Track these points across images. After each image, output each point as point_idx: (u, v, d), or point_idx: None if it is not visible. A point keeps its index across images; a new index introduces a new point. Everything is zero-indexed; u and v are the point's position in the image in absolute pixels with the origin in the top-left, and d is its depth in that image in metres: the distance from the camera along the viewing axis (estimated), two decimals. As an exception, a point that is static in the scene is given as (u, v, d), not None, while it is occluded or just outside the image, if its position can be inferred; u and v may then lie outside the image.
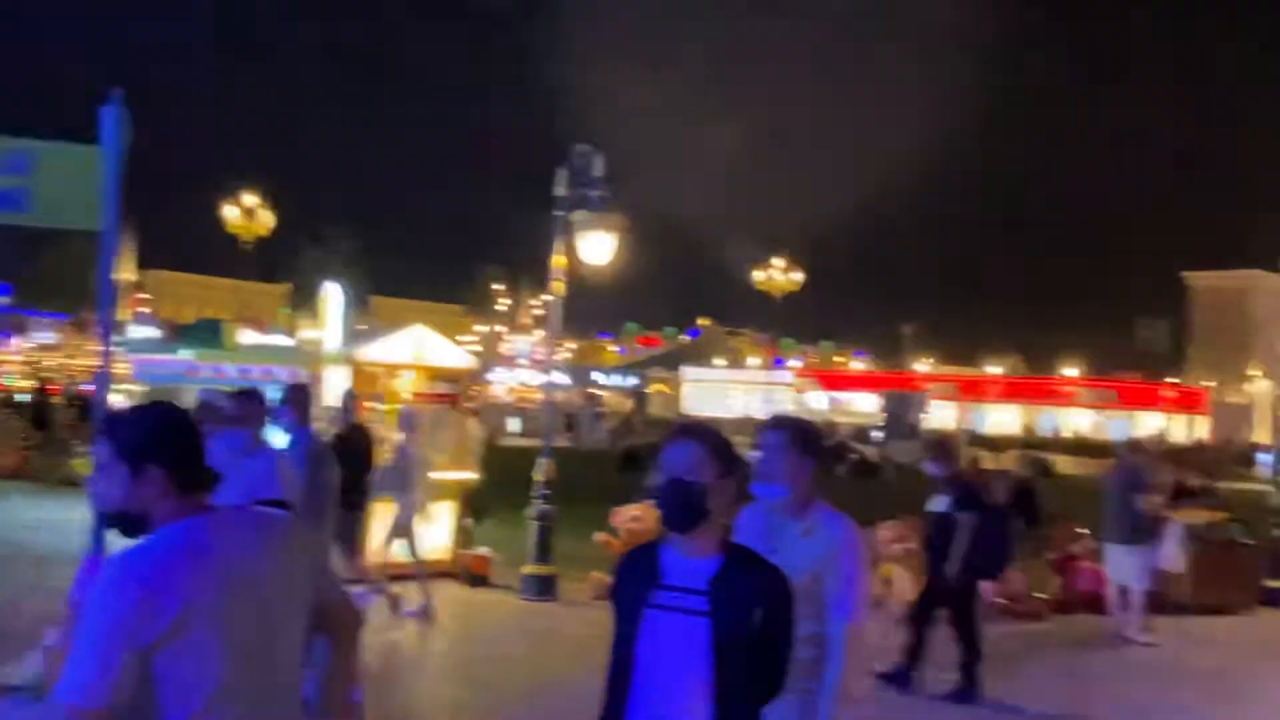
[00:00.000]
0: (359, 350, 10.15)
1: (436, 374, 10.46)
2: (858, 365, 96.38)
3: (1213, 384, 78.26)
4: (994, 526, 7.41)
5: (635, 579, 2.59)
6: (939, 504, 7.28)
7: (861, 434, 37.82)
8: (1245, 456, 40.13)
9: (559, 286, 10.10)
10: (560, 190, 9.51)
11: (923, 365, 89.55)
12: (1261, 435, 58.34)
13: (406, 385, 10.17)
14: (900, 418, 38.21)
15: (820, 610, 2.79)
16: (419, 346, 10.48)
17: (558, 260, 9.83)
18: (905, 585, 9.44)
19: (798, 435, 3.17)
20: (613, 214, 9.45)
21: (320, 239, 51.37)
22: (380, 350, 10.43)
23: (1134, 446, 10.35)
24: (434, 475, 8.98)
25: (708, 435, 2.60)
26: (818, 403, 72.39)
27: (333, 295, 10.40)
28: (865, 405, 59.96)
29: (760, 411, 58.42)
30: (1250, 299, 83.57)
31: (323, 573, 2.43)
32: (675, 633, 2.44)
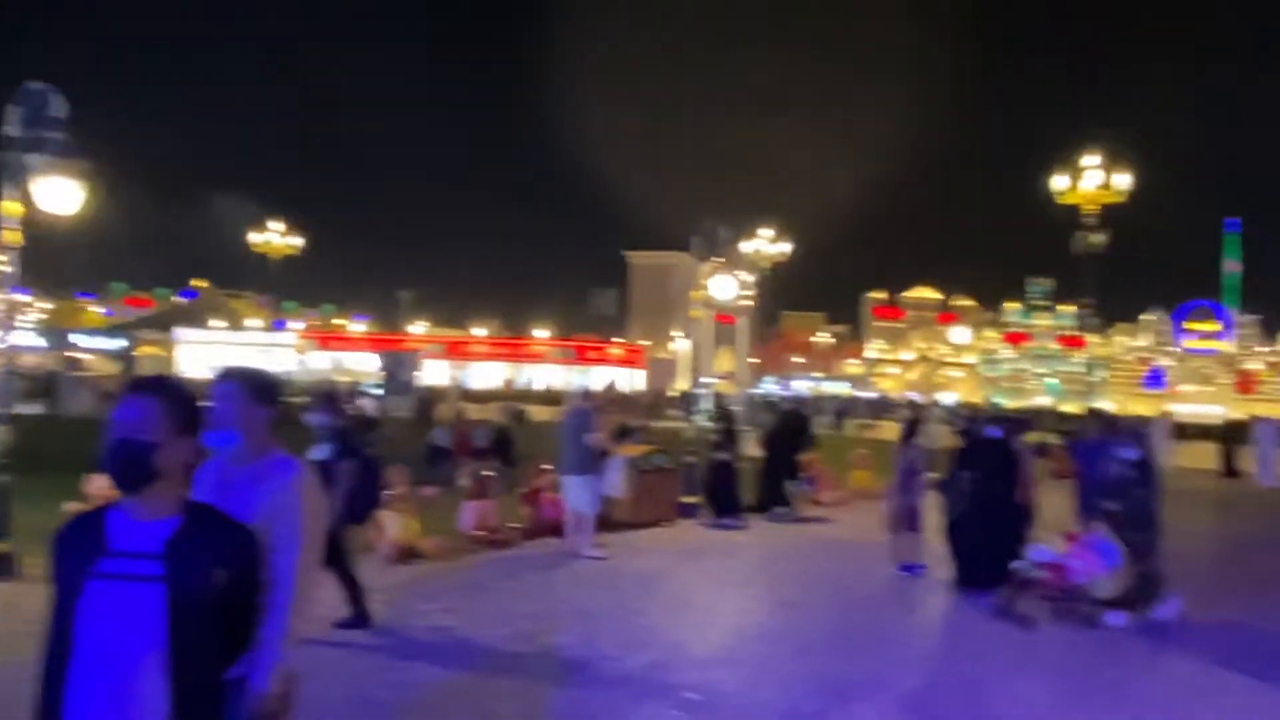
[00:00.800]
0: None
1: None
2: (358, 328, 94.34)
3: (648, 343, 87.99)
4: (368, 474, 7.27)
5: (77, 548, 2.17)
6: (320, 452, 6.97)
7: (354, 391, 37.04)
8: (671, 401, 45.77)
9: (13, 236, 8.39)
10: (12, 130, 7.88)
11: (418, 328, 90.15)
12: (682, 384, 66.99)
13: None
14: (397, 376, 38.05)
15: (270, 555, 2.55)
16: None
17: (9, 207, 8.14)
18: (395, 528, 9.32)
19: (250, 384, 2.92)
20: (76, 160, 8.02)
21: None
22: None
23: (584, 395, 11.12)
24: None
25: (164, 391, 2.23)
26: (320, 363, 69.66)
27: None
28: (365, 365, 58.88)
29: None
30: (673, 274, 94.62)
31: None
32: (123, 602, 2.08)
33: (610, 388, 33.30)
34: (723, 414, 14.80)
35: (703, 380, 16.23)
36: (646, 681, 6.18)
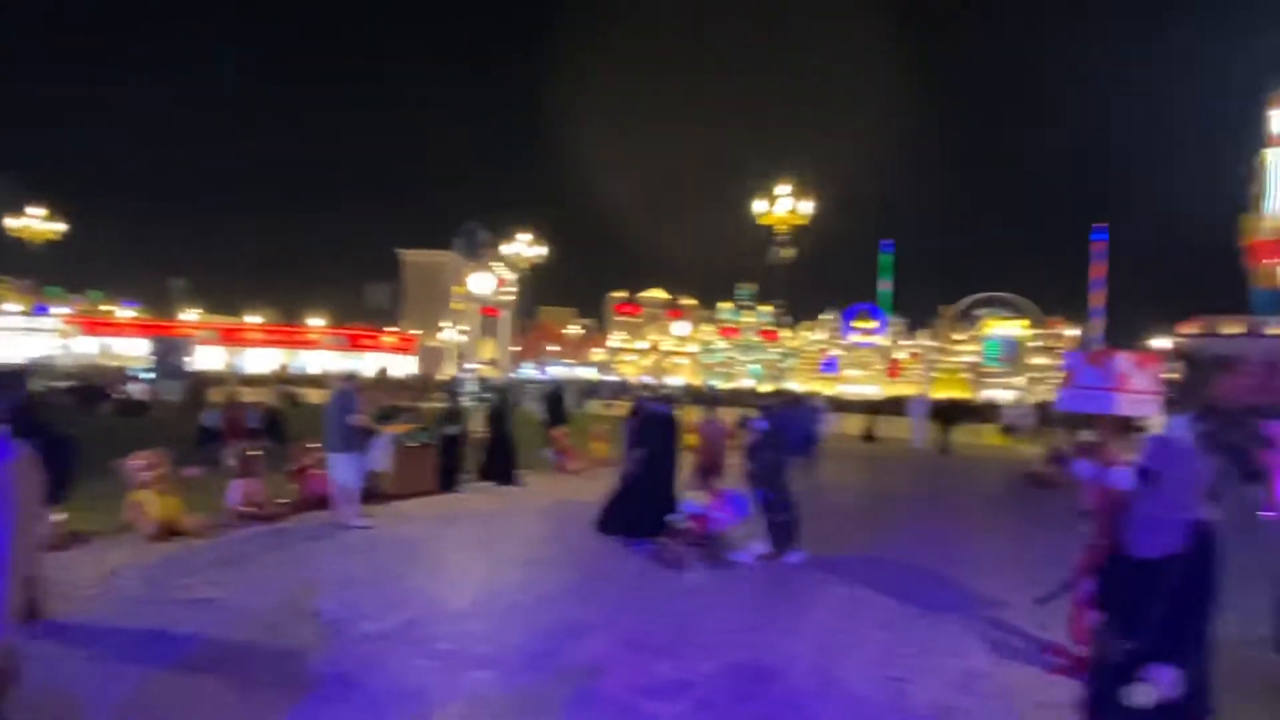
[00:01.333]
0: None
1: None
2: (127, 313, 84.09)
3: (420, 332, 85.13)
4: (56, 454, 6.49)
5: None
6: None
7: (121, 376, 33.03)
8: (442, 383, 44.47)
9: None
10: None
11: (191, 314, 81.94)
12: (450, 370, 65.42)
13: None
14: (168, 361, 34.25)
15: None
16: None
17: None
18: (154, 508, 8.36)
19: None
20: None
21: None
22: None
23: (347, 378, 10.50)
24: None
25: None
26: (86, 348, 61.86)
27: None
28: (136, 350, 52.72)
29: (23, 357, 47.54)
30: (444, 271, 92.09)
31: None
32: None
33: (382, 372, 31.89)
34: (450, 394, 14.87)
35: (467, 366, 16.01)
36: (403, 636, 5.93)
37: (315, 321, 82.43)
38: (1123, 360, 5.47)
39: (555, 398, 17.96)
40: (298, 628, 6.02)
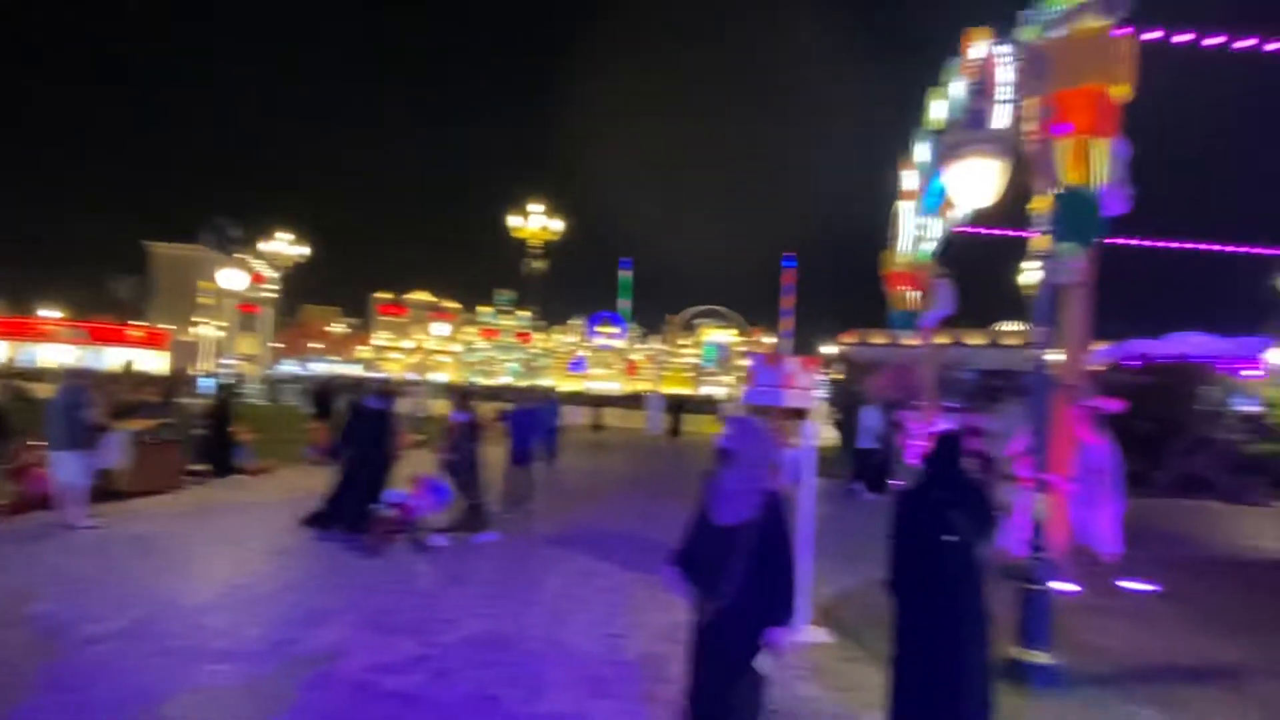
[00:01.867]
0: None
1: None
2: None
3: (173, 327, 75.16)
4: None
5: None
6: None
7: None
8: (192, 380, 39.46)
9: None
10: None
11: (-113, 302, 65.81)
12: (205, 366, 58.21)
13: None
14: None
15: None
16: None
17: None
18: None
19: None
20: None
21: None
22: None
23: (76, 373, 8.96)
24: None
25: None
26: None
27: None
28: None
29: None
30: (194, 266, 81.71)
31: None
32: None
33: (127, 367, 27.95)
34: (167, 388, 13.48)
35: (224, 362, 14.33)
36: (133, 636, 5.21)
37: (49, 313, 69.69)
38: (790, 363, 6.12)
39: (323, 394, 16.55)
40: (14, 634, 5.08)
